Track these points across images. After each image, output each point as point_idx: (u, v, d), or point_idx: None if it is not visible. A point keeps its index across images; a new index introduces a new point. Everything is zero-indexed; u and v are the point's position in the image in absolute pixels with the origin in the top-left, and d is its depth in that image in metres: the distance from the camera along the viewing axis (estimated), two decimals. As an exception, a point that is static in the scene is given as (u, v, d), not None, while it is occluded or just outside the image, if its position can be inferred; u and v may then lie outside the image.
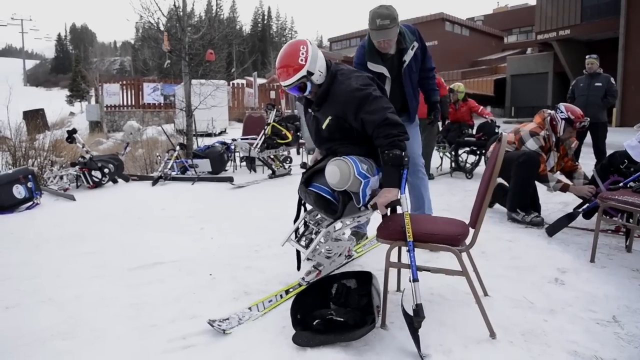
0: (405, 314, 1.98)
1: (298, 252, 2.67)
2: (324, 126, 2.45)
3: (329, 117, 2.41)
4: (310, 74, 2.34)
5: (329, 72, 2.41)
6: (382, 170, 2.29)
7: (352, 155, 2.31)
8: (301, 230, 2.70)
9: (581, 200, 3.94)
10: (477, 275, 2.44)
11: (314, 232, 2.65)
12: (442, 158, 7.15)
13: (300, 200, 2.68)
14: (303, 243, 2.62)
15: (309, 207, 2.69)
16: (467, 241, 2.18)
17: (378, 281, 2.30)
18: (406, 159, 2.21)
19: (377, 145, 2.26)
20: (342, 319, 2.08)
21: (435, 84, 3.55)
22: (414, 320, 1.92)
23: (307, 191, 2.49)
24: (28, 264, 3.19)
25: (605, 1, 20.11)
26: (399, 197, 2.21)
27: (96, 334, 2.16)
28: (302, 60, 2.31)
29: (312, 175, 2.57)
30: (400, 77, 3.23)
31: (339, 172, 2.22)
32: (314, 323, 2.10)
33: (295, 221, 2.71)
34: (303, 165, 7.38)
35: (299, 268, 2.70)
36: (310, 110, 2.56)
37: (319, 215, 2.65)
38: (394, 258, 2.28)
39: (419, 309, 1.92)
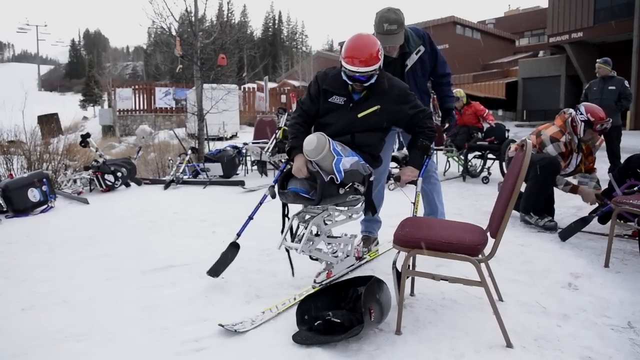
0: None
1: (290, 260, 2.79)
2: (363, 113, 2.61)
3: (377, 107, 2.61)
4: (380, 68, 2.56)
5: (382, 71, 2.63)
6: (411, 152, 2.74)
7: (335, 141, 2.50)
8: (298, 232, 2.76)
9: (596, 205, 3.89)
10: (493, 281, 2.43)
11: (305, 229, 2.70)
12: (448, 162, 7.10)
13: (283, 208, 2.77)
14: (297, 244, 2.63)
15: (295, 210, 2.75)
16: (486, 250, 2.12)
17: (386, 287, 2.29)
18: (432, 151, 2.71)
19: (418, 132, 2.70)
20: (339, 321, 2.13)
21: (451, 90, 3.44)
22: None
23: (284, 193, 2.60)
24: (43, 266, 3.24)
25: (618, 3, 19.81)
26: (417, 178, 2.73)
27: (110, 336, 2.19)
28: (380, 55, 2.53)
29: (285, 180, 2.68)
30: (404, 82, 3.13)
31: (316, 140, 2.38)
32: (315, 324, 2.16)
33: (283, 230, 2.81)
34: None
35: (292, 274, 2.81)
36: (337, 99, 2.66)
37: (307, 216, 2.70)
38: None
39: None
